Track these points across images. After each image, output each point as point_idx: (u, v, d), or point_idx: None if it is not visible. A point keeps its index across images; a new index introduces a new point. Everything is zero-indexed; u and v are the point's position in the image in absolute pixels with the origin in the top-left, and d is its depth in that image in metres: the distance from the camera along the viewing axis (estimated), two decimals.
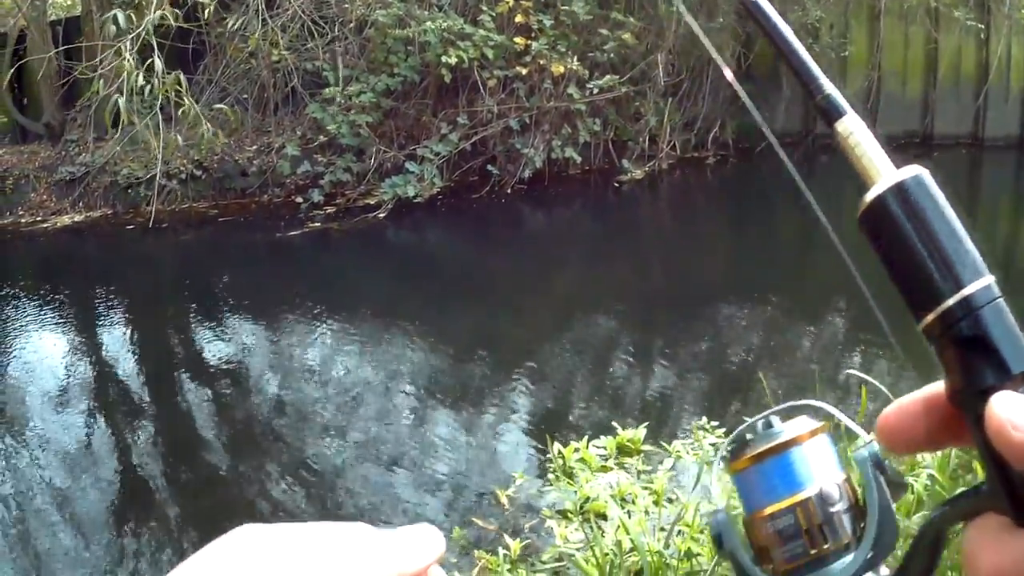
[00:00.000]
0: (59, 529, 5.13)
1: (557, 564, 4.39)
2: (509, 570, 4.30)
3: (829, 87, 0.63)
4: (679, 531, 4.38)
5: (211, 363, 7.25)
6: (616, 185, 12.17)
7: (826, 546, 0.67)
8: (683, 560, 4.11)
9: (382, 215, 10.38)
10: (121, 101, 9.23)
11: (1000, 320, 0.55)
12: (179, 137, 10.31)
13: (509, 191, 11.34)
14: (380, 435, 6.05)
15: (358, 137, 10.87)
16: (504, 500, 5.13)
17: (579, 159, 11.88)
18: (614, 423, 5.73)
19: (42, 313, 8.52)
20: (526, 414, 6.33)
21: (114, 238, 10.15)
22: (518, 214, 11.47)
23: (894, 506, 0.66)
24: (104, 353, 7.62)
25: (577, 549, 4.45)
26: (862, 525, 0.67)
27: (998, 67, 13.24)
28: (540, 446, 5.71)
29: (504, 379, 6.83)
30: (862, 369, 6.49)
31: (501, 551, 4.49)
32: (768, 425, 0.72)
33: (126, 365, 7.34)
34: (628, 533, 4.05)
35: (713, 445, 5.52)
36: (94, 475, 5.66)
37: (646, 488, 5.02)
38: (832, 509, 0.68)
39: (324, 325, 8.00)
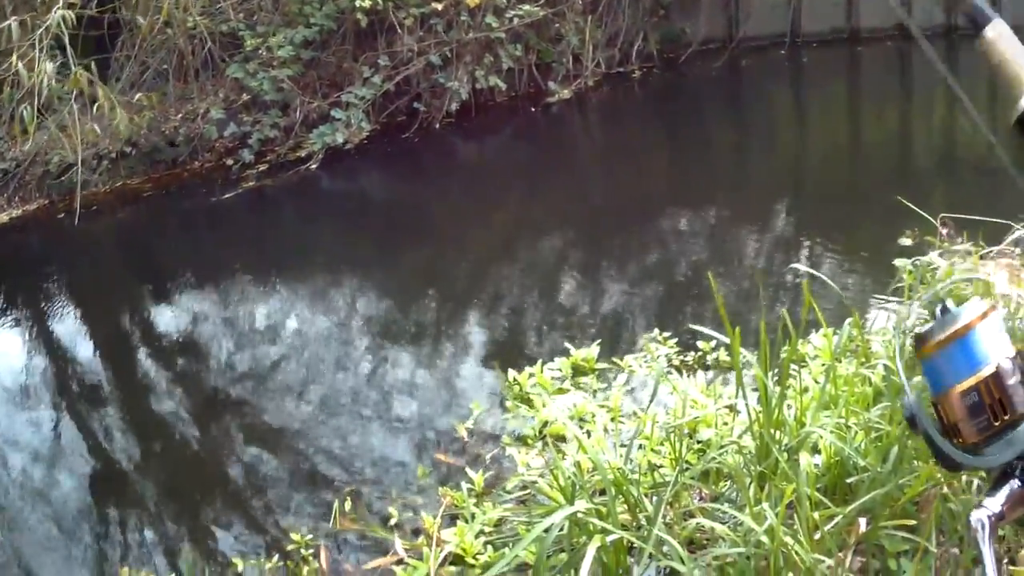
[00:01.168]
0: (33, 523, 5.10)
1: (522, 492, 4.42)
2: (475, 504, 4.32)
3: None
4: (639, 445, 4.40)
5: (164, 338, 7.20)
6: (544, 108, 12.12)
7: (1006, 417, 0.75)
8: (645, 474, 4.14)
9: (314, 166, 10.28)
10: (25, 111, 9.23)
11: None
12: (96, 127, 10.19)
13: (438, 126, 11.24)
14: (339, 386, 6.05)
15: (281, 92, 10.73)
16: (463, 433, 5.14)
17: (504, 86, 11.76)
18: (567, 345, 5.74)
19: None
20: (480, 346, 6.34)
21: (53, 228, 10.00)
22: (450, 148, 11.39)
23: None
24: (57, 343, 7.54)
25: (540, 475, 4.47)
26: None
27: None
28: (496, 376, 5.73)
29: (455, 314, 6.84)
30: (806, 266, 6.54)
31: (465, 486, 4.50)
32: (945, 311, 0.81)
33: (80, 352, 7.27)
34: (587, 453, 4.07)
35: (666, 356, 5.55)
36: (62, 466, 5.62)
37: (603, 406, 5.04)
38: (1009, 383, 0.75)
39: (271, 284, 7.96)
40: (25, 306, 8.36)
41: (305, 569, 4.19)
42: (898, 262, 5.26)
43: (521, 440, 4.94)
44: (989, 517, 0.74)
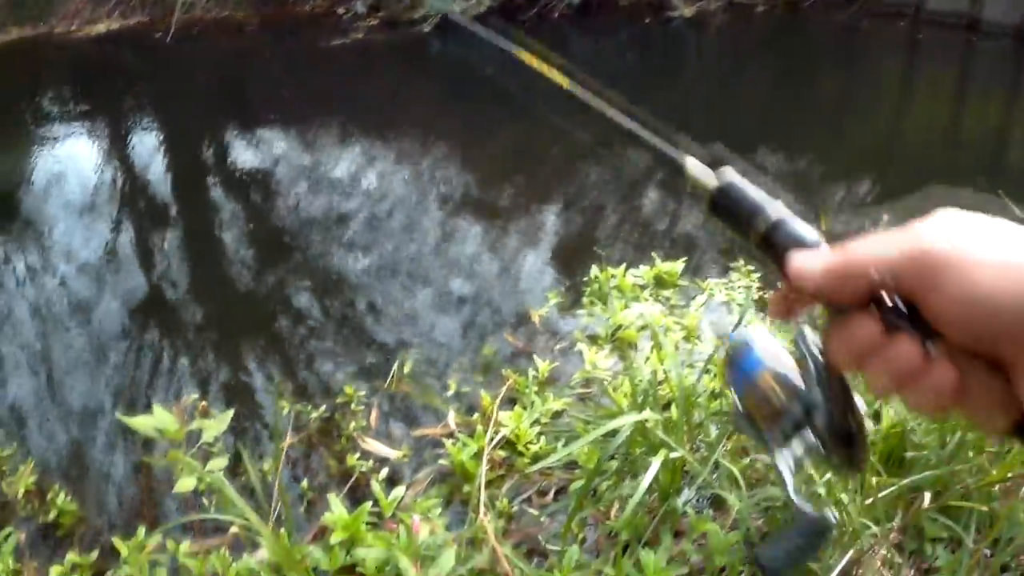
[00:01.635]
0: (80, 338, 5.06)
1: (584, 390, 4.30)
2: (536, 392, 4.20)
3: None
4: (708, 369, 4.25)
5: (239, 172, 7.12)
6: (664, 21, 11.89)
7: (791, 393, 0.98)
8: (711, 400, 4.00)
9: (426, 29, 10.11)
10: None
11: (792, 226, 0.88)
12: None
13: (557, 15, 11.06)
14: (414, 251, 5.94)
15: None
16: (536, 320, 5.02)
17: None
18: (653, 254, 5.58)
19: (73, 121, 8.37)
20: (564, 237, 6.22)
21: (149, 46, 9.93)
22: (564, 39, 11.17)
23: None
24: (130, 159, 7.48)
25: (607, 376, 4.35)
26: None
27: None
28: (576, 269, 5.59)
29: (543, 200, 6.69)
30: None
31: (530, 372, 4.38)
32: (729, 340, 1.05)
33: (155, 172, 7.21)
34: (662, 364, 3.92)
35: (746, 287, 5.40)
36: (117, 284, 5.59)
37: (678, 323, 4.90)
38: (785, 370, 0.99)
39: (358, 138, 7.83)
40: (106, 117, 8.30)
41: (352, 424, 4.09)
42: None
43: (592, 338, 4.80)
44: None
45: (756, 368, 1.01)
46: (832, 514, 0.99)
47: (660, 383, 3.99)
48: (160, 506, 3.78)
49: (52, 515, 3.73)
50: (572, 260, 5.75)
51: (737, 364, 1.03)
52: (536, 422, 3.97)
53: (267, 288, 5.57)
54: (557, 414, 4.08)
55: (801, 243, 0.87)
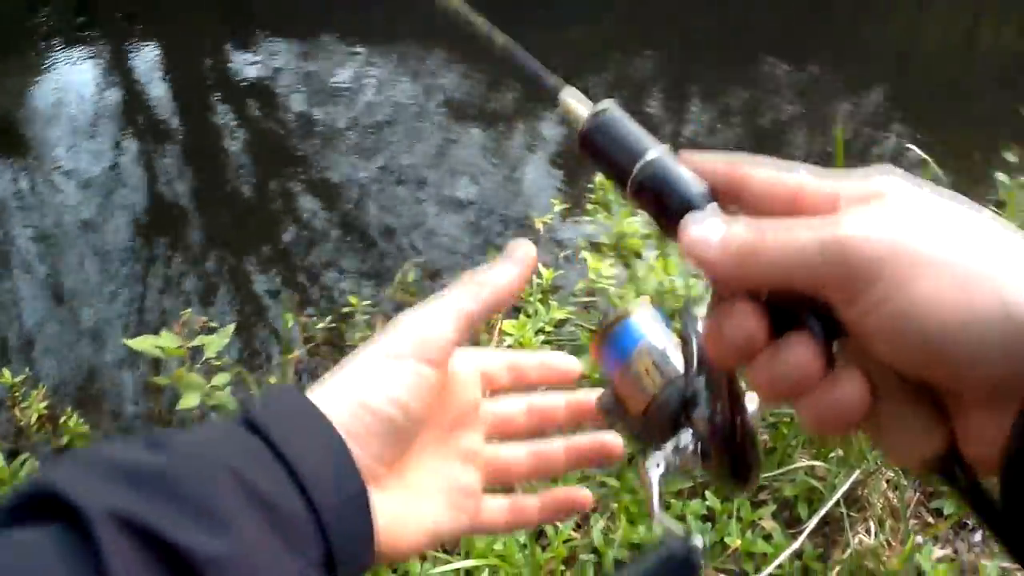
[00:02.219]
0: (86, 259, 5.03)
1: (589, 298, 4.28)
2: (540, 300, 4.19)
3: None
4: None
5: (242, 83, 7.05)
6: None
7: (669, 376, 0.85)
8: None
9: None
10: None
11: (669, 169, 0.72)
12: None
13: None
14: (412, 161, 5.90)
15: None
16: (540, 227, 4.99)
17: None
18: None
19: (71, 37, 8.25)
20: (566, 146, 6.16)
21: None
22: None
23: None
24: (133, 76, 7.39)
25: (611, 284, 4.33)
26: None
27: None
28: (580, 176, 5.56)
29: (547, 104, 6.61)
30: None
31: (533, 279, 4.36)
32: (606, 314, 0.92)
33: (154, 88, 7.12)
34: (668, 274, 3.91)
35: None
36: (121, 202, 5.55)
37: None
38: (664, 349, 0.87)
39: (357, 42, 7.74)
40: (105, 32, 8.19)
41: (357, 335, 4.07)
42: (999, 176, 5.00)
43: (595, 246, 4.77)
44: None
45: (633, 345, 0.87)
46: (701, 541, 0.79)
47: (668, 292, 3.97)
48: (171, 425, 3.77)
49: (65, 439, 3.73)
50: (576, 166, 5.71)
51: (612, 340, 0.88)
52: (540, 331, 3.96)
53: (270, 200, 5.54)
54: (561, 323, 4.09)
55: (683, 198, 0.72)
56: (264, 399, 0.73)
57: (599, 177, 5.18)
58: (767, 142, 6.69)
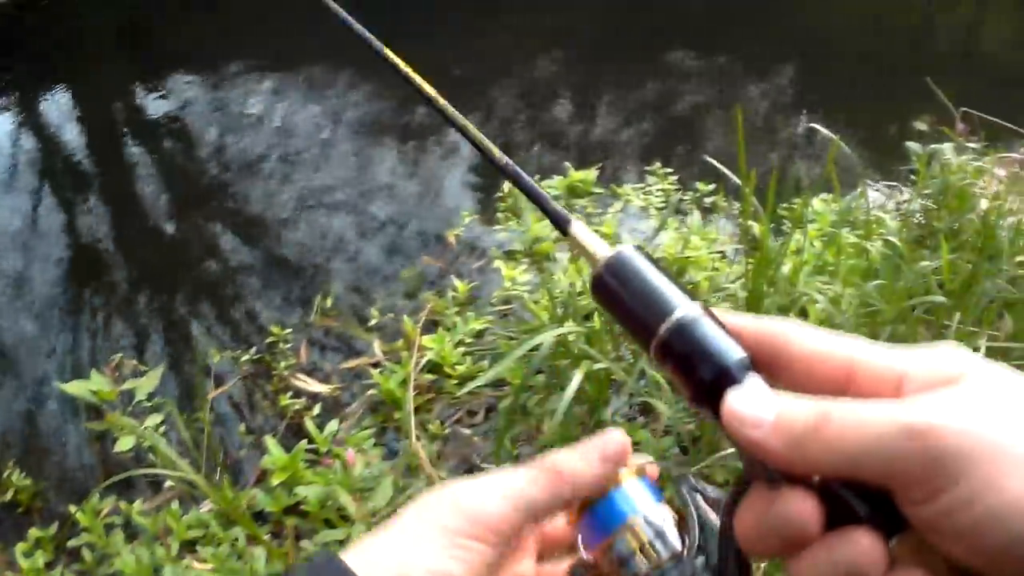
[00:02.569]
0: (12, 310, 5.02)
1: (505, 307, 4.37)
2: (457, 313, 4.27)
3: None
4: None
5: (153, 121, 7.04)
6: None
7: (663, 557, 0.76)
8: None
9: None
10: None
11: (703, 331, 0.65)
12: None
13: None
14: (325, 183, 5.94)
15: None
16: (452, 240, 5.08)
17: None
18: (566, 163, 5.64)
19: None
20: (474, 157, 6.22)
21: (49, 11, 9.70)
22: None
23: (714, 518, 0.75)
24: (39, 120, 7.36)
25: (526, 291, 4.41)
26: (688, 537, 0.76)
27: None
28: (489, 186, 5.64)
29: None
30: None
31: (449, 294, 4.45)
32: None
33: (67, 134, 7.07)
34: (579, 274, 4.00)
35: (663, 190, 5.47)
36: (43, 251, 5.51)
37: (596, 231, 4.95)
38: (660, 525, 0.77)
39: (265, 70, 7.77)
40: (11, 79, 8.15)
41: (282, 363, 4.14)
42: (910, 145, 5.16)
43: (509, 254, 4.87)
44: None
45: (620, 519, 0.77)
46: None
47: (580, 294, 4.06)
48: (111, 469, 3.82)
49: (10, 494, 3.76)
50: (487, 176, 5.79)
51: (595, 512, 0.79)
52: (460, 343, 4.04)
53: (191, 235, 5.57)
54: (480, 333, 4.15)
55: (719, 367, 0.64)
56: (308, 569, 0.70)
57: (507, 185, 5.28)
58: (679, 131, 6.81)
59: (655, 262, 0.71)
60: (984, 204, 4.21)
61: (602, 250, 0.72)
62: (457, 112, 0.89)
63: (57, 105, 7.62)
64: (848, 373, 0.62)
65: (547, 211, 0.81)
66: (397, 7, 8.66)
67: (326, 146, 6.43)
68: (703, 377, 0.63)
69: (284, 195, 5.82)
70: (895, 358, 0.61)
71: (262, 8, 9.50)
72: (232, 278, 5.02)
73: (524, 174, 0.84)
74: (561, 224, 0.78)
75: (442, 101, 0.90)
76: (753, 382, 0.62)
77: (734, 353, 0.63)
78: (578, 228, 0.76)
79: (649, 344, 0.66)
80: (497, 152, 0.85)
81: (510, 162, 0.86)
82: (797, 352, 0.63)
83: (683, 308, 0.66)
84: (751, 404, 0.60)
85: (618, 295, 0.69)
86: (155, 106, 7.31)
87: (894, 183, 5.36)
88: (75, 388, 3.77)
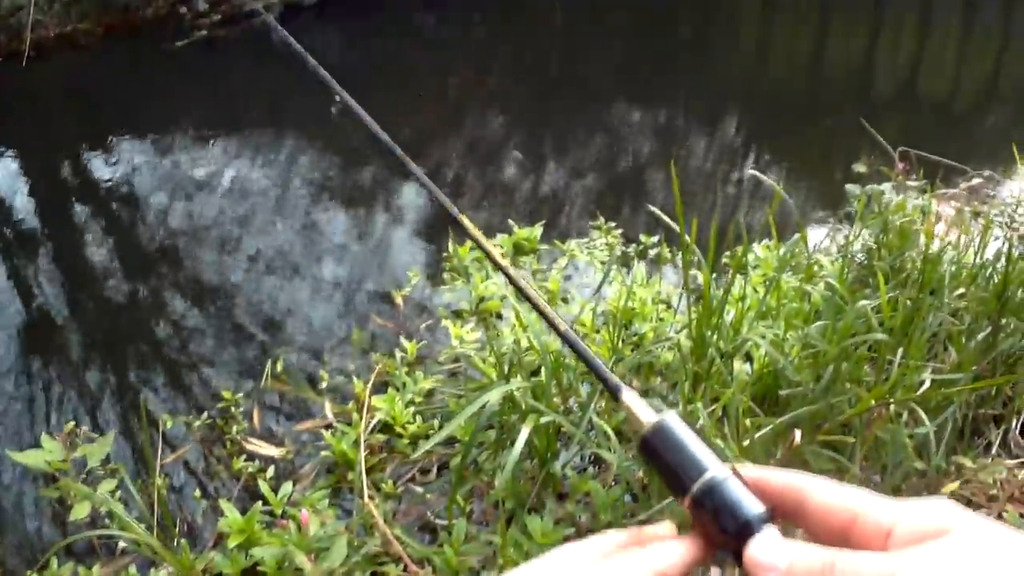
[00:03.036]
0: None
1: (454, 365, 4.43)
2: (407, 373, 4.33)
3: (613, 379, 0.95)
4: (574, 330, 4.40)
5: (103, 188, 7.06)
6: None
7: None
8: (579, 361, 4.15)
9: (270, 19, 10.10)
10: None
11: (729, 490, 0.80)
12: None
13: None
14: (275, 246, 5.99)
15: None
16: (399, 301, 5.14)
17: None
18: (510, 222, 5.74)
19: None
20: (420, 216, 6.31)
21: None
22: (408, 16, 11.25)
23: None
24: None
25: (473, 349, 4.49)
26: None
27: None
28: (434, 247, 5.72)
29: (396, 181, 6.77)
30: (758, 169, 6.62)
31: (398, 354, 4.51)
32: None
33: (18, 201, 7.10)
34: (525, 331, 4.07)
35: (608, 245, 5.57)
36: None
37: (541, 287, 5.06)
38: None
39: (214, 137, 7.83)
40: None
41: (235, 428, 4.19)
42: (850, 187, 5.29)
43: (456, 313, 4.95)
44: None
45: None
46: None
47: (527, 350, 4.14)
48: (69, 535, 3.83)
49: None
50: (434, 235, 5.87)
51: None
52: (410, 403, 4.09)
53: (142, 301, 5.58)
54: (430, 392, 4.20)
55: (742, 520, 0.78)
56: None
57: (453, 245, 5.38)
58: (624, 185, 6.91)
59: (692, 428, 0.85)
60: (923, 240, 4.34)
61: (647, 416, 0.88)
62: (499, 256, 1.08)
63: (5, 168, 7.64)
64: (851, 521, 0.73)
65: (602, 379, 0.95)
66: (335, 70, 8.74)
67: (275, 209, 6.48)
68: (727, 529, 0.78)
69: (234, 259, 5.86)
70: (888, 510, 0.71)
71: (208, 72, 9.59)
72: (183, 343, 5.05)
73: (580, 341, 1.00)
74: (614, 391, 0.94)
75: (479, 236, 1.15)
76: (770, 533, 0.76)
77: (754, 509, 0.78)
78: (628, 396, 0.92)
79: (684, 498, 0.81)
80: (562, 325, 1.02)
81: (569, 329, 1.02)
82: (812, 504, 0.76)
83: (713, 470, 0.81)
84: (767, 553, 0.73)
85: (660, 455, 0.85)
86: (104, 170, 7.34)
87: (837, 225, 5.50)
88: (27, 458, 3.79)
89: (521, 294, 1.05)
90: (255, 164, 7.34)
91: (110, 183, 7.11)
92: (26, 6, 9.49)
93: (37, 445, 3.93)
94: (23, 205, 6.91)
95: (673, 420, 0.86)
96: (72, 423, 4.29)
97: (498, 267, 1.09)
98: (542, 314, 1.04)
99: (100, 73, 9.65)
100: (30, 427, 4.49)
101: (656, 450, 0.85)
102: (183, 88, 9.25)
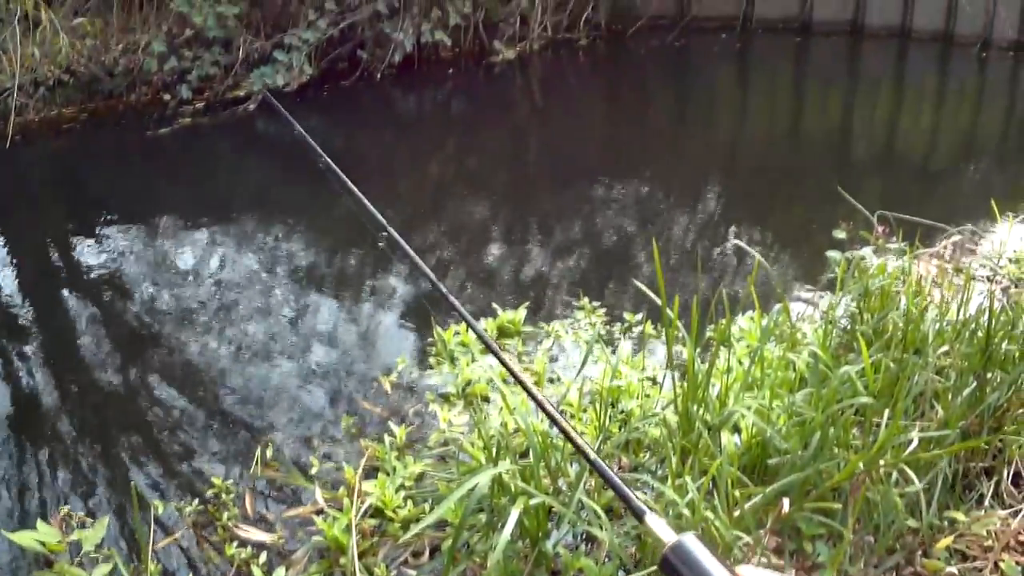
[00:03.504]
0: None
1: (443, 449, 4.45)
2: (397, 457, 4.35)
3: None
4: (561, 411, 4.46)
5: (88, 274, 7.09)
6: (487, 67, 12.17)
7: None
8: (567, 441, 4.20)
9: (252, 107, 10.23)
10: None
11: None
12: (36, 51, 10.03)
13: (380, 76, 11.26)
14: (262, 333, 6.02)
15: (225, 28, 10.61)
16: (387, 386, 5.17)
17: (449, 42, 11.83)
18: (494, 304, 5.80)
19: None
20: (405, 300, 6.35)
21: None
22: (390, 99, 11.39)
23: None
24: None
25: (462, 432, 4.52)
26: None
27: None
28: (421, 332, 5.76)
29: (382, 265, 6.82)
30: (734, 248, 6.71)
31: (387, 439, 4.53)
32: None
33: (5, 287, 7.13)
34: (512, 414, 4.11)
35: (592, 324, 5.62)
36: None
37: (527, 369, 5.10)
38: None
39: (199, 223, 7.89)
40: None
41: (225, 514, 4.20)
42: (830, 254, 5.37)
43: (444, 397, 4.99)
44: None
45: None
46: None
47: (515, 432, 4.18)
48: None
49: None
50: (420, 320, 5.91)
51: None
52: (401, 487, 4.10)
53: (133, 387, 5.59)
54: (420, 477, 4.22)
55: None
56: None
57: (438, 330, 5.43)
58: (607, 263, 6.97)
59: (708, 546, 0.96)
60: (905, 301, 4.40)
61: (668, 536, 0.98)
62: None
63: None
64: None
65: (628, 502, 1.08)
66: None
67: (261, 295, 6.52)
68: None
69: (222, 345, 5.89)
70: None
71: (192, 159, 9.67)
72: (173, 428, 5.06)
73: (607, 468, 1.12)
74: (638, 514, 1.04)
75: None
76: None
77: None
78: (651, 520, 1.03)
79: None
80: (591, 453, 1.16)
81: (598, 459, 1.15)
82: None
83: None
84: None
85: (678, 572, 0.95)
86: (90, 255, 7.36)
87: (820, 293, 5.56)
88: (22, 538, 3.81)
89: (533, 400, 1.16)
90: (241, 250, 7.39)
91: (96, 269, 7.14)
92: (10, 90, 9.59)
93: (31, 526, 3.94)
94: (8, 289, 6.93)
95: (691, 540, 0.96)
96: (67, 508, 4.29)
97: (518, 381, 1.21)
98: (562, 431, 1.19)
99: (85, 158, 9.74)
100: (21, 511, 4.49)
101: (675, 567, 0.95)
102: (168, 174, 9.34)
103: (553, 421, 1.13)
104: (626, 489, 1.08)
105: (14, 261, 7.53)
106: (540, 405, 1.18)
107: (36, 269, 7.42)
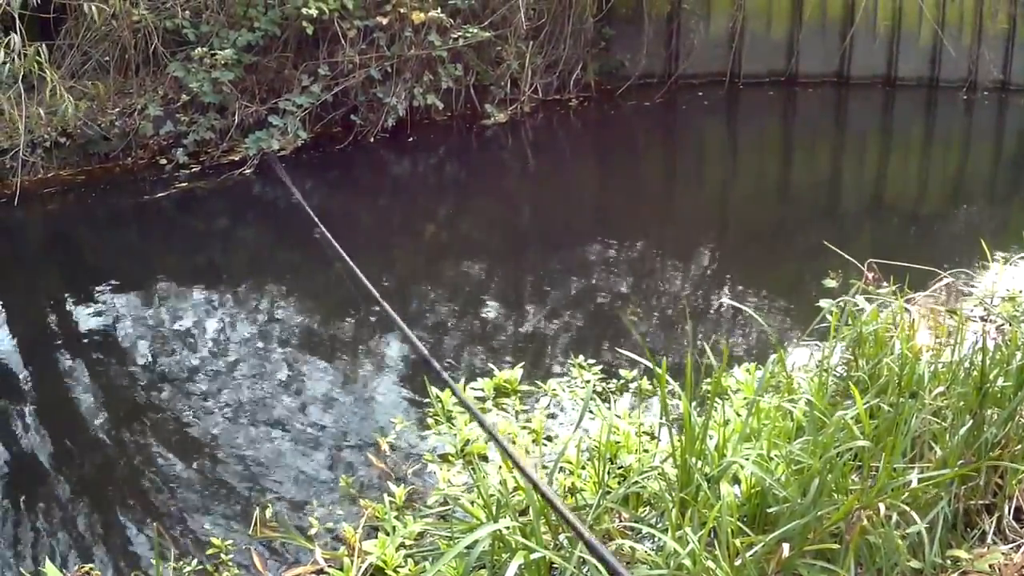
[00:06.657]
0: None
1: (443, 508, 4.46)
2: (397, 517, 4.35)
3: None
4: (561, 468, 4.48)
5: (83, 338, 7.08)
6: (479, 130, 12.26)
7: None
8: (567, 496, 4.22)
9: (248, 171, 10.28)
10: None
11: None
12: (41, 110, 10.09)
13: (373, 140, 11.33)
14: (258, 396, 6.02)
15: (220, 94, 10.67)
16: (386, 447, 5.17)
17: (442, 105, 11.92)
18: (491, 365, 5.83)
19: None
20: (402, 363, 6.37)
21: None
22: (383, 162, 11.44)
23: None
24: None
25: (461, 492, 4.53)
26: None
27: (864, 9, 13.53)
28: (418, 393, 5.77)
29: (378, 329, 6.84)
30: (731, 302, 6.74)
31: (387, 499, 4.53)
32: None
33: (1, 350, 7.13)
34: (511, 472, 4.12)
35: (587, 382, 5.64)
36: None
37: (525, 428, 5.13)
38: None
39: (194, 288, 7.90)
40: None
41: (225, 574, 4.19)
42: (822, 303, 5.42)
43: (443, 457, 5.00)
44: None
45: None
46: None
47: (515, 490, 4.19)
48: None
49: None
50: (416, 381, 5.92)
51: None
52: (401, 546, 4.11)
53: (128, 450, 5.57)
54: (420, 535, 4.22)
55: None
56: None
57: (435, 391, 5.45)
58: (602, 321, 7.00)
59: None
60: (899, 345, 4.44)
61: None
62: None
63: None
64: None
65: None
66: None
67: (258, 358, 6.53)
68: None
69: (219, 409, 5.88)
70: None
71: (188, 222, 9.71)
72: (172, 492, 5.04)
73: (603, 547, 1.15)
74: None
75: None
76: None
77: None
78: None
79: None
80: (586, 532, 1.13)
81: (592, 538, 1.15)
82: None
83: None
84: None
85: None
86: (87, 320, 7.36)
87: (816, 343, 5.60)
88: None
89: (518, 469, 1.19)
90: (237, 314, 7.41)
91: (93, 331, 7.14)
92: (13, 150, 9.68)
93: None
94: (8, 354, 6.92)
95: None
96: (89, 566, 4.29)
97: (502, 450, 1.23)
98: (557, 510, 1.22)
99: (81, 220, 9.76)
100: (18, 573, 4.48)
101: None
102: (164, 239, 9.37)
103: (541, 493, 1.15)
104: (615, 561, 1.11)
105: (10, 322, 7.52)
106: (530, 479, 1.21)
107: (30, 333, 7.42)
